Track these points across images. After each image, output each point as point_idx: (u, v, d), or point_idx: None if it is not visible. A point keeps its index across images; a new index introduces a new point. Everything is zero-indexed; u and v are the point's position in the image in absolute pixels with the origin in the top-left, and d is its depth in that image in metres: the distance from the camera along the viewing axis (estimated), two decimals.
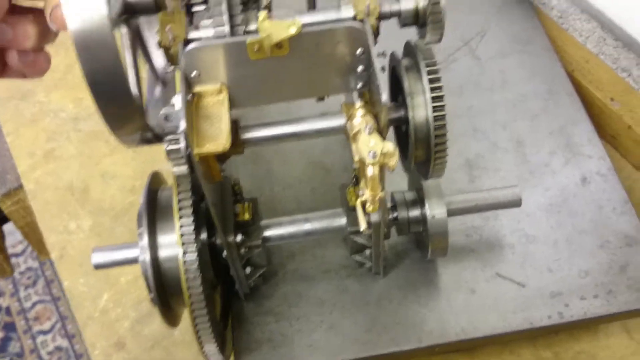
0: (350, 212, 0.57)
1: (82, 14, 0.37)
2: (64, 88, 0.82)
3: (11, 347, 1.43)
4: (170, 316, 0.53)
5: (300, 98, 0.49)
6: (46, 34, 0.43)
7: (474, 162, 0.69)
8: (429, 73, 0.48)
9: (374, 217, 0.53)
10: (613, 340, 0.62)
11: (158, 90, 0.52)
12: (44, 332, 1.44)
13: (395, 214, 0.58)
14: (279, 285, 0.62)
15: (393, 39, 0.51)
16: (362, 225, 0.47)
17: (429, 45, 0.49)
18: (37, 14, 0.42)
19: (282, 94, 0.49)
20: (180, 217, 0.48)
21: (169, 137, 0.45)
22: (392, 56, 0.52)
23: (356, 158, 0.46)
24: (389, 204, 0.59)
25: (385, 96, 0.44)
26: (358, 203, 0.48)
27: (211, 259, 0.54)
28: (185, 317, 0.53)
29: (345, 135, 0.50)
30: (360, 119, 0.47)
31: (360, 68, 0.47)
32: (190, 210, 0.48)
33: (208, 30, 0.46)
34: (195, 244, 0.48)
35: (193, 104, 0.46)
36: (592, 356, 0.61)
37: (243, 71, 0.46)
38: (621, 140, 0.74)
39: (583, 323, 0.60)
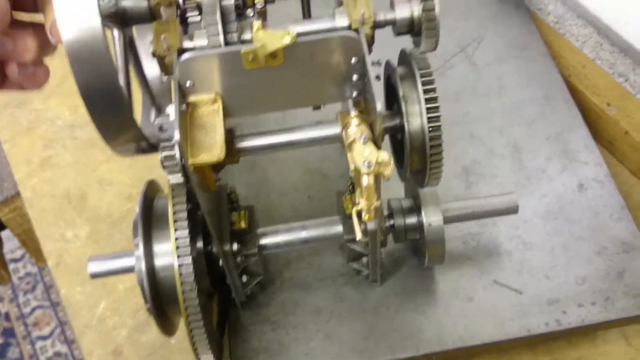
0: (347, 219, 0.57)
1: (75, 25, 0.37)
2: (60, 95, 0.82)
3: (10, 353, 1.42)
4: (166, 325, 0.53)
5: (295, 107, 0.49)
6: (45, 47, 0.43)
7: (471, 168, 0.69)
8: (423, 83, 0.48)
9: (371, 226, 0.53)
10: (611, 346, 0.62)
11: (153, 115, 0.53)
12: (43, 338, 1.44)
13: (391, 222, 0.58)
14: (275, 294, 0.62)
15: (388, 47, 0.51)
16: (358, 235, 0.47)
17: (424, 54, 0.49)
18: (37, 27, 0.43)
19: (277, 103, 0.49)
20: (175, 229, 0.48)
21: (164, 145, 0.45)
22: (387, 64, 0.52)
23: (351, 167, 0.46)
24: (385, 212, 0.59)
25: (379, 105, 0.44)
26: (354, 212, 0.48)
27: (208, 267, 0.54)
28: (183, 325, 0.53)
29: (340, 144, 0.50)
30: (355, 128, 0.47)
31: (355, 77, 0.47)
32: (185, 220, 0.48)
33: (202, 40, 0.45)
34: (191, 253, 0.48)
35: (187, 114, 0.46)
36: None
37: (237, 81, 0.46)
38: (618, 145, 0.74)
39: (581, 330, 0.60)
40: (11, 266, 1.52)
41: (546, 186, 0.68)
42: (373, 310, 0.61)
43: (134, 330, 0.65)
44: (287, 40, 0.43)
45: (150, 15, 0.46)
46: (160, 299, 0.51)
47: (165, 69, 0.46)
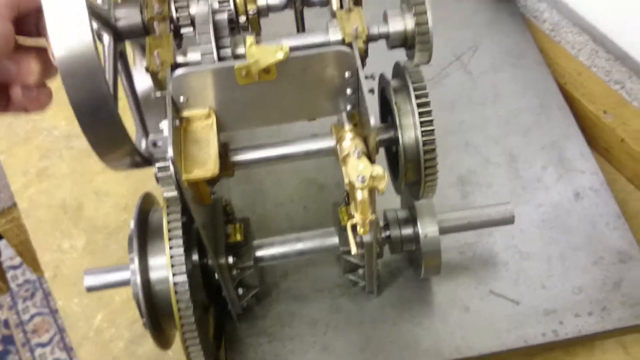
0: (343, 231, 0.57)
1: (67, 41, 0.37)
2: (56, 106, 0.81)
3: None
4: (162, 339, 0.53)
5: (289, 121, 0.49)
6: (48, 70, 0.44)
7: (466, 177, 0.69)
8: (417, 96, 0.48)
9: (366, 238, 0.53)
10: (609, 355, 0.62)
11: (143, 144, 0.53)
12: (43, 345, 1.43)
13: (387, 233, 0.58)
14: (272, 305, 0.62)
15: (382, 60, 0.51)
16: (353, 249, 0.47)
17: (417, 67, 0.49)
18: (40, 51, 0.43)
19: (270, 118, 0.49)
20: (170, 246, 0.48)
21: (158, 158, 0.45)
22: (381, 77, 0.52)
23: (346, 181, 0.46)
24: (381, 223, 0.59)
25: (373, 120, 0.44)
26: (349, 225, 0.47)
27: (203, 279, 0.54)
28: (179, 336, 0.52)
29: (335, 157, 0.50)
30: (349, 142, 0.47)
31: (349, 91, 0.47)
32: (180, 237, 0.48)
33: (196, 55, 0.45)
34: (186, 267, 0.48)
35: (181, 129, 0.46)
36: None
37: (231, 96, 0.46)
38: (614, 153, 0.73)
39: (578, 340, 0.60)
40: (10, 273, 1.52)
41: (542, 195, 0.68)
42: (370, 322, 0.61)
43: (130, 342, 0.65)
44: (280, 55, 0.43)
45: (144, 30, 0.46)
46: (156, 312, 0.51)
47: (159, 84, 0.46)
